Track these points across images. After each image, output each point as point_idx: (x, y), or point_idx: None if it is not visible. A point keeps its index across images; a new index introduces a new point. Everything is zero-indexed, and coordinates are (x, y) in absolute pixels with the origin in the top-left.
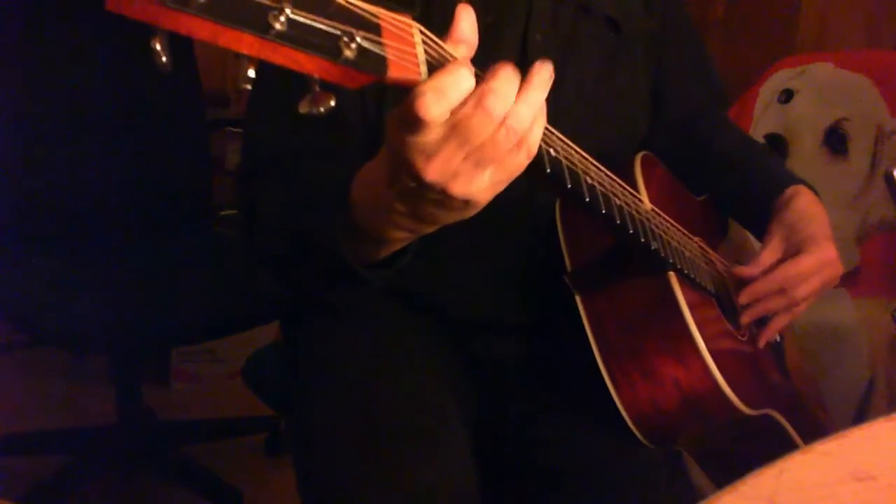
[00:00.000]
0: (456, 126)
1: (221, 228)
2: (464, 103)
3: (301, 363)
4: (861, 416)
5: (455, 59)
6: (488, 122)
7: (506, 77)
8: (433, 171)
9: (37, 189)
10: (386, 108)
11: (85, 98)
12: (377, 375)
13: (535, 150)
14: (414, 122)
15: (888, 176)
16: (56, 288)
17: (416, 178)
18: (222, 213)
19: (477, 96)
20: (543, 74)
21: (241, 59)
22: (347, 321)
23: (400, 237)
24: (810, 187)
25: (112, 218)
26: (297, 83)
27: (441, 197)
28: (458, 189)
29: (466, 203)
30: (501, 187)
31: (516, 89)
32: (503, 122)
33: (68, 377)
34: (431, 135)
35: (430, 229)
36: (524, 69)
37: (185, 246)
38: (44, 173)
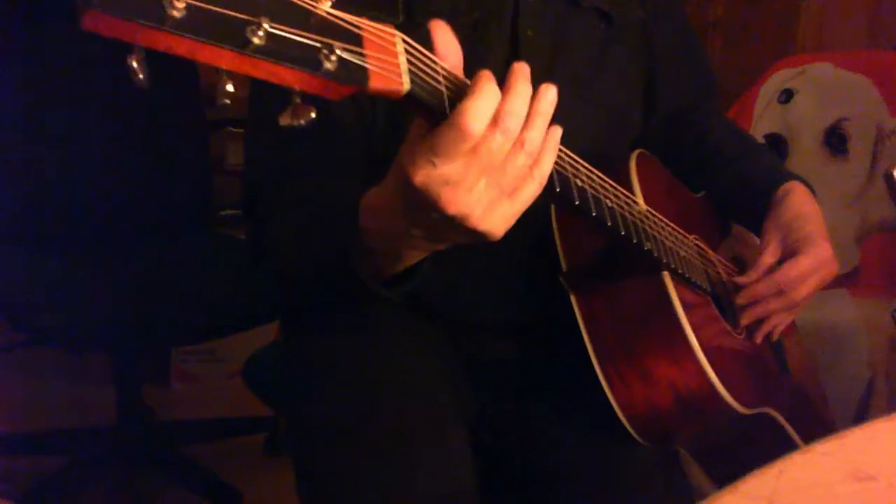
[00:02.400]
0: (475, 150)
1: (221, 228)
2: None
3: (301, 363)
4: (861, 416)
5: (481, 75)
6: (505, 142)
7: (518, 95)
8: (455, 203)
9: (37, 189)
10: (379, 106)
11: (85, 98)
12: (376, 375)
13: (547, 172)
14: (447, 146)
15: (888, 176)
16: (56, 288)
17: (439, 210)
18: (222, 213)
19: (493, 118)
20: (545, 102)
21: (220, 74)
22: (347, 321)
23: (417, 255)
24: (803, 181)
25: (112, 218)
26: (286, 98)
27: (462, 227)
28: (479, 220)
29: (487, 234)
30: (516, 217)
31: (528, 106)
32: (520, 142)
33: (68, 377)
34: (454, 164)
35: (447, 247)
36: None
37: (186, 246)
38: (44, 173)
